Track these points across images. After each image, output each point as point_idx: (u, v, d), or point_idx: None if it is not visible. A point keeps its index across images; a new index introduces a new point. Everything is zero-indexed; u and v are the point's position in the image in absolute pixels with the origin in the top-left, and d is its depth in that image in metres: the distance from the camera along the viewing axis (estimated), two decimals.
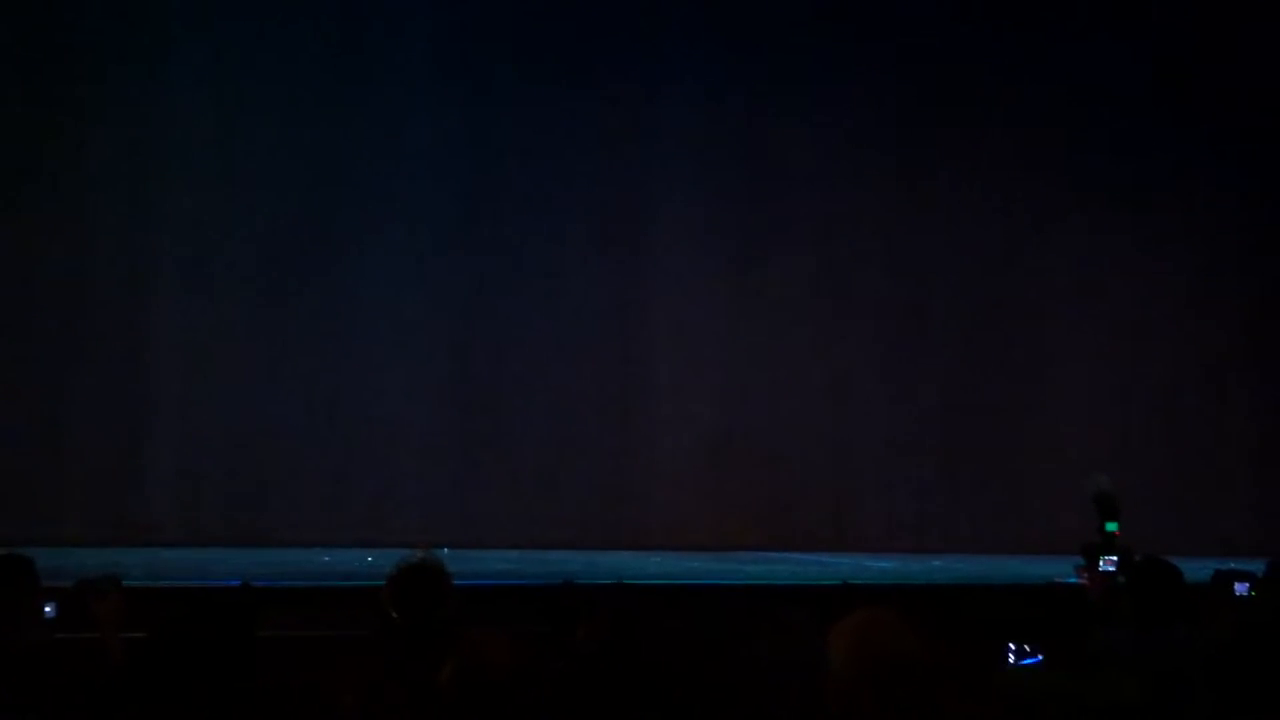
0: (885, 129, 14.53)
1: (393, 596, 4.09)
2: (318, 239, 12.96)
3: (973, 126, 14.65)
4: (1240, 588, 6.37)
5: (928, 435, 14.40)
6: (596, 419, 13.58)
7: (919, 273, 14.57)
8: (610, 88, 13.75)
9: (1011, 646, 4.90)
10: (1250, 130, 15.24)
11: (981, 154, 14.73)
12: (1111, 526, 8.92)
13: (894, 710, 2.89)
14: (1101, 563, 7.05)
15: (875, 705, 2.90)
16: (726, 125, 14.10)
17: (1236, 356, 15.24)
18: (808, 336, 14.21)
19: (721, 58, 14.06)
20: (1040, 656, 4.76)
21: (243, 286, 12.76)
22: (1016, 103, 14.78)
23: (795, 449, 14.03)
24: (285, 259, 12.87)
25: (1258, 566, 7.00)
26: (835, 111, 14.41)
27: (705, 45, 14.04)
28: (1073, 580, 7.79)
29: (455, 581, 4.16)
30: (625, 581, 5.06)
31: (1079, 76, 14.86)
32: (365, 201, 13.08)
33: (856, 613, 3.05)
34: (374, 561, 8.90)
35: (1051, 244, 15.00)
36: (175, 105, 12.70)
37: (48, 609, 4.69)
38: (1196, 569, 6.16)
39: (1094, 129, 14.93)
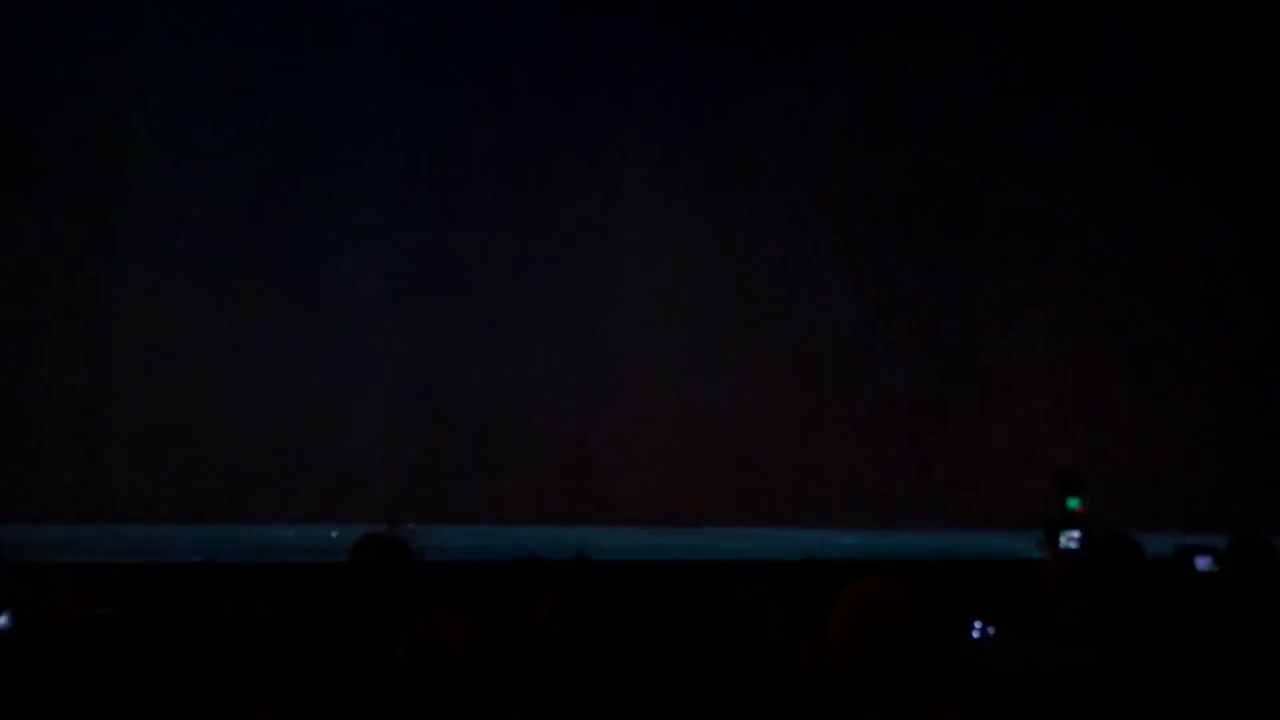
0: (851, 102, 14.52)
1: (356, 572, 4.07)
2: (280, 216, 12.90)
3: (942, 95, 14.63)
4: (1202, 562, 6.39)
5: (893, 410, 14.41)
6: (561, 393, 13.56)
7: (883, 248, 14.57)
8: (573, 61, 13.71)
9: (977, 625, 4.91)
10: (1218, 97, 15.20)
11: (949, 127, 14.72)
12: (1073, 502, 8.95)
13: (879, 676, 2.91)
14: (1062, 538, 7.07)
15: (864, 667, 2.92)
16: (691, 96, 14.07)
17: (1200, 330, 15.27)
18: (773, 313, 14.21)
19: (689, 34, 14.03)
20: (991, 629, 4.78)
21: (205, 262, 12.70)
22: (992, 82, 14.78)
23: (761, 424, 14.04)
24: (248, 235, 12.80)
25: (1220, 541, 7.03)
26: (803, 89, 14.38)
27: (673, 16, 14.01)
28: (1036, 555, 7.82)
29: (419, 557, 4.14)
30: (587, 556, 5.03)
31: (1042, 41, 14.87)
32: (326, 179, 13.02)
33: (867, 578, 3.07)
34: (338, 537, 8.86)
35: (1015, 220, 15.01)
36: (135, 82, 12.60)
37: (2, 620, 4.57)
38: (1160, 543, 6.19)
39: (1071, 107, 14.92)
